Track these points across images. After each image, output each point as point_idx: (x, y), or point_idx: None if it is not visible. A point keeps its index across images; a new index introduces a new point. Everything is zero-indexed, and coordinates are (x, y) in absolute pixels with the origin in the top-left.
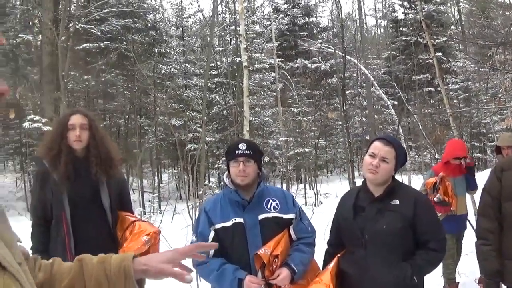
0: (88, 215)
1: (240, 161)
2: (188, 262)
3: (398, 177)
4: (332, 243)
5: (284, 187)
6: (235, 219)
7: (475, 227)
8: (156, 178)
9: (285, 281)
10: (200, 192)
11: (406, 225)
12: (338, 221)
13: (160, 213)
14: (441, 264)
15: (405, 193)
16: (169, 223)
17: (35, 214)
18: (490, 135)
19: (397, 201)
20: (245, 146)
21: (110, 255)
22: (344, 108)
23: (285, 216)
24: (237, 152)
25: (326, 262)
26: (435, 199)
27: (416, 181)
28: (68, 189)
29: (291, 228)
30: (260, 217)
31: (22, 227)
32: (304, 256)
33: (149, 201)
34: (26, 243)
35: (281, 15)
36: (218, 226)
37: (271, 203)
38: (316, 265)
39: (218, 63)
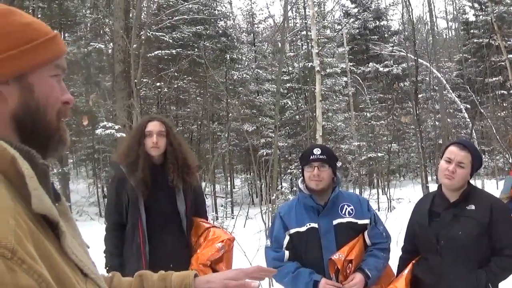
0: (163, 221)
1: (315, 166)
2: (263, 264)
3: (471, 182)
4: (407, 250)
5: (357, 192)
6: (309, 224)
7: None
8: (228, 183)
9: (359, 286)
10: (273, 197)
11: (482, 231)
12: (413, 227)
13: (233, 218)
14: None
15: (481, 198)
16: (241, 228)
17: (111, 218)
18: None
19: (473, 207)
20: (320, 151)
21: (171, 273)
22: (417, 112)
23: (360, 221)
24: (311, 157)
25: (400, 269)
26: None
27: (489, 186)
28: (144, 195)
29: (366, 233)
30: (335, 222)
31: (94, 232)
32: (378, 262)
33: (222, 206)
34: (97, 246)
35: (351, 19)
36: (292, 231)
37: (346, 208)
38: (390, 271)
39: (290, 68)
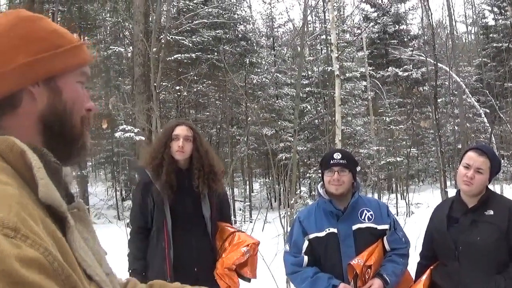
0: (188, 226)
1: (335, 171)
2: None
3: (490, 187)
4: (425, 255)
5: (376, 196)
6: (329, 229)
7: None
8: (247, 187)
9: None
10: (292, 202)
11: (501, 237)
12: (431, 233)
13: (251, 222)
14: None
15: (499, 204)
16: (260, 232)
17: (136, 223)
18: None
19: (491, 212)
20: (340, 155)
21: (184, 286)
22: (436, 116)
23: (379, 227)
24: (332, 161)
25: (418, 275)
26: None
27: (509, 191)
28: (170, 199)
29: (385, 238)
30: (354, 227)
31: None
32: (397, 267)
33: (240, 210)
34: (115, 249)
35: (371, 24)
36: (312, 236)
37: (366, 214)
38: (409, 276)
39: (309, 72)
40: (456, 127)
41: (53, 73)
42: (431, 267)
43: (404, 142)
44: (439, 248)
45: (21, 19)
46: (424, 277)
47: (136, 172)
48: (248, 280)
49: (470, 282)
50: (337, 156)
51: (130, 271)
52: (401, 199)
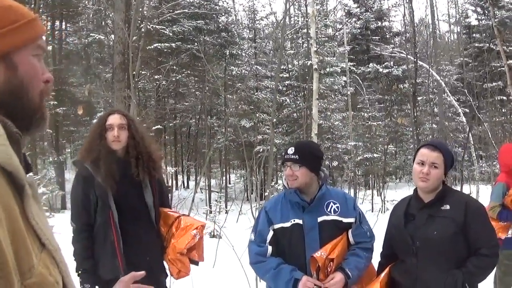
0: (134, 215)
1: (287, 166)
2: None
3: (466, 187)
4: (385, 254)
5: (352, 192)
6: (294, 220)
7: None
8: (224, 178)
9: (338, 285)
10: (267, 194)
11: (458, 231)
12: (390, 231)
13: (226, 213)
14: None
15: (456, 198)
16: (234, 223)
17: (80, 220)
18: None
19: (447, 207)
20: (293, 150)
21: None
22: (415, 114)
23: (345, 220)
24: (285, 156)
25: (379, 274)
26: None
27: (485, 191)
28: (113, 190)
29: (350, 232)
30: (320, 219)
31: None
32: (360, 261)
33: (216, 200)
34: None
35: (353, 19)
36: (277, 226)
37: (332, 206)
38: (373, 271)
39: (290, 66)
40: (435, 126)
41: (8, 50)
42: (390, 265)
43: (382, 139)
44: (397, 244)
45: None
46: (382, 274)
47: (74, 166)
48: (196, 263)
49: (428, 278)
50: (290, 151)
51: (79, 272)
52: (377, 195)
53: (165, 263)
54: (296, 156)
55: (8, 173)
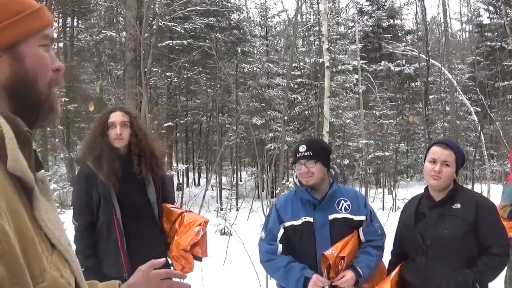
0: (137, 212)
1: (302, 164)
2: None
3: (477, 186)
4: (396, 253)
5: (363, 190)
6: (305, 218)
7: None
8: (235, 175)
9: (349, 283)
10: (277, 191)
11: (468, 230)
12: (401, 229)
13: (237, 210)
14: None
15: (466, 197)
16: (244, 221)
17: (82, 218)
18: None
19: (458, 205)
20: (305, 147)
21: (95, 283)
22: (427, 112)
23: (356, 218)
24: (298, 155)
25: (389, 272)
26: None
27: (496, 191)
28: (116, 187)
29: (361, 230)
30: (330, 217)
31: None
32: (371, 259)
33: (227, 198)
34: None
35: (365, 17)
36: (287, 224)
37: (343, 204)
38: (384, 269)
39: (301, 63)
40: (446, 124)
41: (14, 41)
42: (401, 264)
43: (393, 137)
44: (407, 243)
45: None
46: (393, 273)
47: (77, 164)
48: (200, 259)
49: (438, 276)
50: (302, 149)
51: (82, 269)
52: (389, 194)
53: (169, 259)
54: (310, 152)
55: (17, 177)
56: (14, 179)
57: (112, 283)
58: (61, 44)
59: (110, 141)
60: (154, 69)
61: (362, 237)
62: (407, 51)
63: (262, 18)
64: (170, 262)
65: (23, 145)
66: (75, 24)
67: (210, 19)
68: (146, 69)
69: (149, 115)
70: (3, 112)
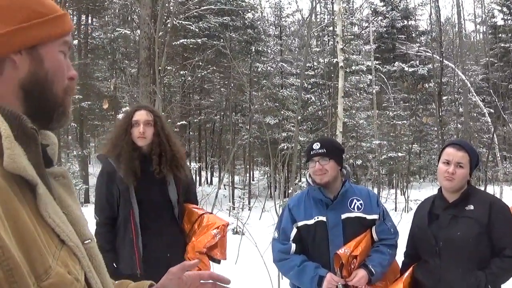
0: (156, 212)
1: (316, 161)
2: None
3: (490, 187)
4: (409, 254)
5: (375, 191)
6: (318, 217)
7: None
8: (247, 175)
9: (362, 282)
10: (290, 191)
11: (482, 231)
12: (414, 230)
13: (249, 210)
14: None
15: (480, 198)
16: (257, 220)
17: (103, 213)
18: None
19: (472, 207)
20: (319, 145)
21: (128, 282)
22: (440, 113)
23: (369, 217)
24: (311, 152)
25: (402, 273)
26: None
27: (509, 192)
28: (135, 186)
29: (373, 228)
30: (343, 216)
31: None
32: (384, 258)
33: (239, 197)
34: None
35: (379, 17)
36: (300, 223)
37: (355, 203)
38: (397, 267)
39: (315, 63)
40: (459, 126)
41: (36, 42)
42: (414, 265)
43: (407, 138)
44: (420, 244)
45: None
46: (406, 274)
47: (99, 161)
48: (218, 261)
49: (451, 278)
50: (316, 146)
51: None
52: (401, 194)
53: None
54: (324, 150)
55: (18, 175)
56: (16, 177)
57: (142, 283)
58: (75, 42)
59: (132, 139)
60: (168, 68)
61: (375, 236)
62: (421, 52)
63: (277, 17)
64: None
65: (27, 142)
66: (90, 21)
67: (224, 18)
68: (160, 68)
69: (163, 113)
70: (4, 110)
